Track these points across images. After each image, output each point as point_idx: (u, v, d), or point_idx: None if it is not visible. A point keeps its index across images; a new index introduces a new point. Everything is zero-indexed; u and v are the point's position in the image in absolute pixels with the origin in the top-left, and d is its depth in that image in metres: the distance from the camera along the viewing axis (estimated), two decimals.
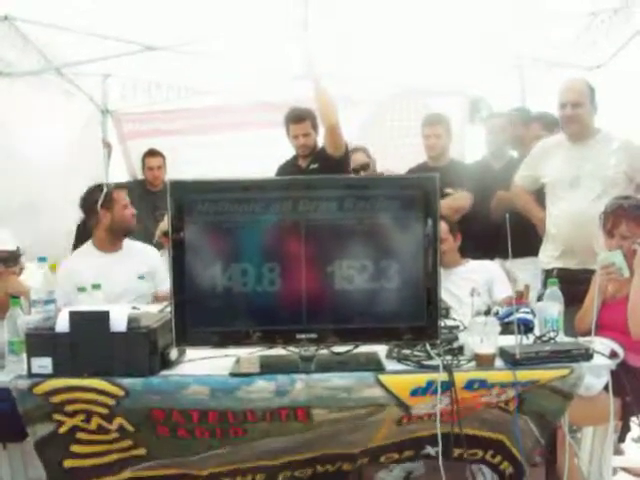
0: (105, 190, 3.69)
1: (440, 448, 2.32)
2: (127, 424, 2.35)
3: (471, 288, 2.78)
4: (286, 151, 4.71)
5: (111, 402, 2.27)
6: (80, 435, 2.38)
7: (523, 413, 2.47)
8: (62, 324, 2.31)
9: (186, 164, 5.66)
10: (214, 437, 2.39)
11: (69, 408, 2.30)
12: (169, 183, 2.35)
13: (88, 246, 3.80)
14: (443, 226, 3.72)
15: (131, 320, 2.33)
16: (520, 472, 2.63)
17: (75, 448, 2.40)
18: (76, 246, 4.22)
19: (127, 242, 3.83)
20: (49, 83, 4.80)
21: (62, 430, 2.35)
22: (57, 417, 2.33)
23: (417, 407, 2.35)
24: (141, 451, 2.44)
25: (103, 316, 2.31)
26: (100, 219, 3.68)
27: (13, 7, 4.07)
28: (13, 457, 2.86)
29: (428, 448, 2.59)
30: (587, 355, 2.36)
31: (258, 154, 5.44)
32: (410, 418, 2.43)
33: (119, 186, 3.96)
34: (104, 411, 2.30)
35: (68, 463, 2.41)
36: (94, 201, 3.66)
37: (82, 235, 4.16)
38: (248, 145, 5.45)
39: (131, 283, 3.66)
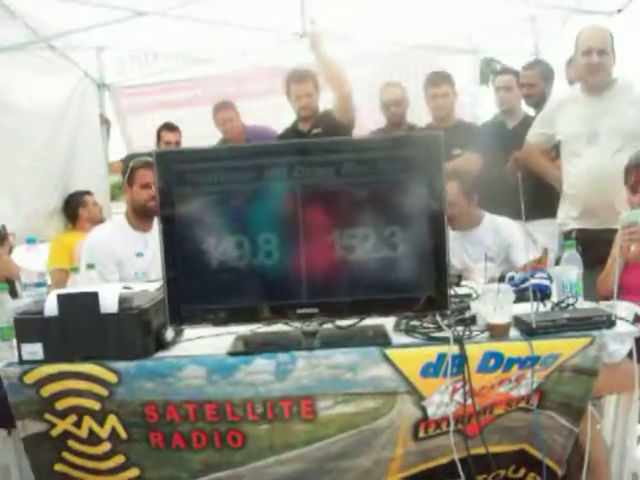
0: (131, 165, 3.47)
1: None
2: (119, 427, 2.21)
3: (484, 253, 2.64)
4: (289, 119, 4.56)
5: (104, 393, 2.16)
6: (71, 444, 2.25)
7: (546, 408, 2.27)
8: (51, 308, 2.19)
9: (191, 138, 5.51)
10: (212, 447, 2.23)
11: (59, 405, 2.18)
12: (154, 154, 2.21)
13: (122, 221, 3.61)
14: (455, 188, 3.52)
15: (122, 300, 2.20)
16: (550, 477, 2.37)
17: (67, 455, 2.27)
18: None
19: None
20: (39, 58, 4.61)
21: (54, 433, 2.23)
22: (48, 417, 2.21)
23: (431, 401, 2.17)
24: (134, 472, 2.28)
25: (92, 297, 2.18)
26: (126, 194, 3.50)
27: None
28: (19, 443, 2.78)
29: None
30: (609, 322, 2.19)
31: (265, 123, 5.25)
32: (427, 425, 2.23)
33: (147, 164, 3.46)
34: (96, 406, 2.18)
35: (59, 467, 2.28)
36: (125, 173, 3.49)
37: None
38: (253, 115, 5.25)
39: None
